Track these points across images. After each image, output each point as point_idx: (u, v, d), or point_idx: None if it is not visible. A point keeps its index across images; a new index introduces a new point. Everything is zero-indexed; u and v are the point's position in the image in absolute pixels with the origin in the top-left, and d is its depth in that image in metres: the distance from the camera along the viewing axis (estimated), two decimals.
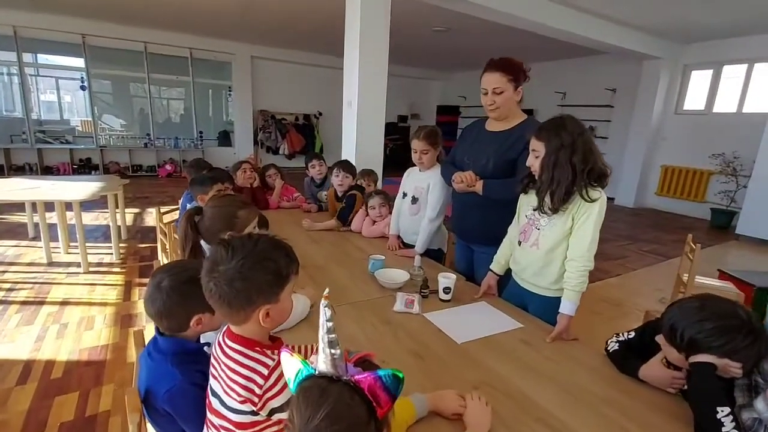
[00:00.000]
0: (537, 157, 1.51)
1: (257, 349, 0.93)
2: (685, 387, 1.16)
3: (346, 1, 4.19)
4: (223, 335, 0.98)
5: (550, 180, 1.46)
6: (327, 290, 0.72)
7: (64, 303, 3.05)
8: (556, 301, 1.53)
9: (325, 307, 0.69)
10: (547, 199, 1.49)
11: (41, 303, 3.03)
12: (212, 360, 1.00)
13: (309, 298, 1.60)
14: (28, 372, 2.24)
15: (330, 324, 0.68)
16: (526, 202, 1.66)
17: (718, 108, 7.19)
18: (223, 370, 0.93)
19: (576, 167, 1.43)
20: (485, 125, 2.05)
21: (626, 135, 8.06)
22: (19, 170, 8.12)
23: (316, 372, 0.69)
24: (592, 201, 1.44)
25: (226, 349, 0.94)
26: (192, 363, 1.08)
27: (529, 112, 9.79)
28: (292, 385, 0.72)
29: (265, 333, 0.98)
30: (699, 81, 7.41)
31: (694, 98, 7.48)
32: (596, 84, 8.61)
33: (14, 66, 7.88)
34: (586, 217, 1.46)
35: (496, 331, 1.50)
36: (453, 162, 2.15)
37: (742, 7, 5.28)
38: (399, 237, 2.49)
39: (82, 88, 8.51)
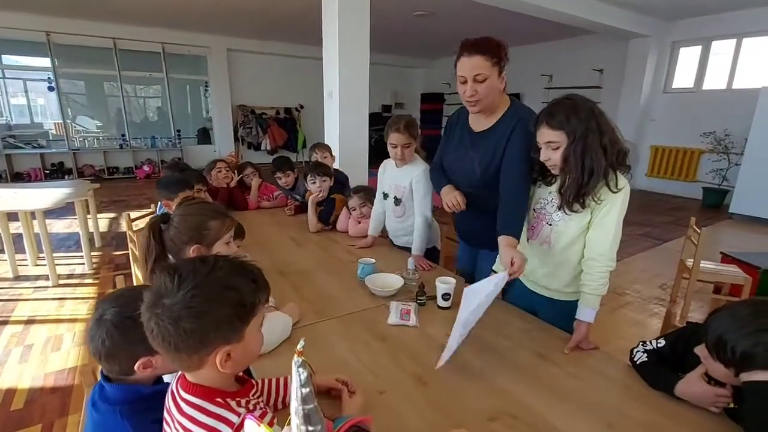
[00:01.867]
0: (556, 149, 1.28)
1: (218, 401, 0.73)
2: (731, 405, 1.00)
3: None
4: (176, 383, 0.78)
5: (581, 171, 1.24)
6: (302, 342, 0.52)
7: (30, 321, 2.81)
8: (571, 306, 1.36)
9: (298, 367, 0.49)
10: (571, 195, 1.28)
11: (4, 323, 2.78)
12: (165, 413, 0.80)
13: (292, 313, 1.40)
14: None
15: (306, 390, 0.49)
16: (536, 195, 1.47)
17: (707, 85, 7.08)
18: (177, 429, 0.73)
19: (607, 151, 1.23)
20: (468, 121, 1.72)
21: (615, 115, 7.86)
22: None
23: None
24: (618, 190, 1.26)
25: (180, 403, 0.74)
26: (147, 412, 0.88)
27: (515, 96, 9.60)
28: None
29: (229, 377, 0.78)
30: (687, 58, 7.28)
31: (683, 76, 7.35)
32: (583, 65, 8.44)
33: None
34: (608, 210, 1.27)
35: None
36: (441, 165, 1.86)
37: None
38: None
39: (50, 89, 8.09)
